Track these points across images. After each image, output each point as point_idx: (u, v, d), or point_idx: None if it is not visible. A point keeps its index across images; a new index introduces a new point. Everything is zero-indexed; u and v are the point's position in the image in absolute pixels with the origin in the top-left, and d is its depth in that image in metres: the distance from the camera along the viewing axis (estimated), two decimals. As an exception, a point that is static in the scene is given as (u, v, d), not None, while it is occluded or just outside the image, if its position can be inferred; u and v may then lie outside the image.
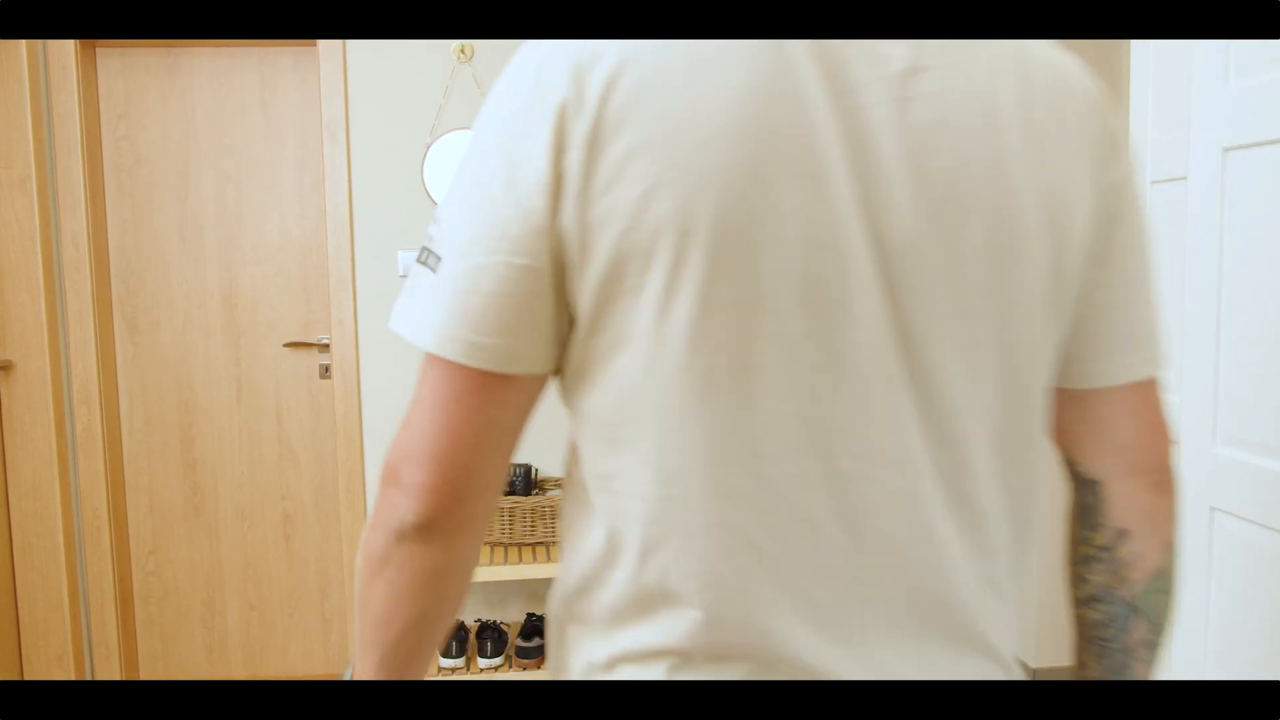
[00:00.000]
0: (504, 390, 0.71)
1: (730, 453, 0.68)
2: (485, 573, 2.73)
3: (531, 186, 0.66)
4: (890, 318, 0.68)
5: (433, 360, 0.71)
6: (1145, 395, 0.83)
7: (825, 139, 0.67)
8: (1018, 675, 0.87)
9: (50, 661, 2.94)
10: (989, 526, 0.74)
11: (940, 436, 0.70)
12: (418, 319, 0.70)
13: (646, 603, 0.75)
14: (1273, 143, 1.32)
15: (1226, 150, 1.39)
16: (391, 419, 3.05)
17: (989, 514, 0.74)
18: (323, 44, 2.92)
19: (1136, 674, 0.88)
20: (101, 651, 3.02)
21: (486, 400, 0.71)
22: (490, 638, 2.81)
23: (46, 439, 2.88)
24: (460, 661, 2.80)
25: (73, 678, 2.92)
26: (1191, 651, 1.50)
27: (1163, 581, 0.84)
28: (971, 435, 0.71)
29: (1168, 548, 0.83)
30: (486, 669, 2.80)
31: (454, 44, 2.96)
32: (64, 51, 2.84)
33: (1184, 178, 1.74)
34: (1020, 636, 0.87)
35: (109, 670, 3.02)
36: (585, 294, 0.67)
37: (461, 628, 2.90)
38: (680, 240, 0.64)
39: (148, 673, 3.16)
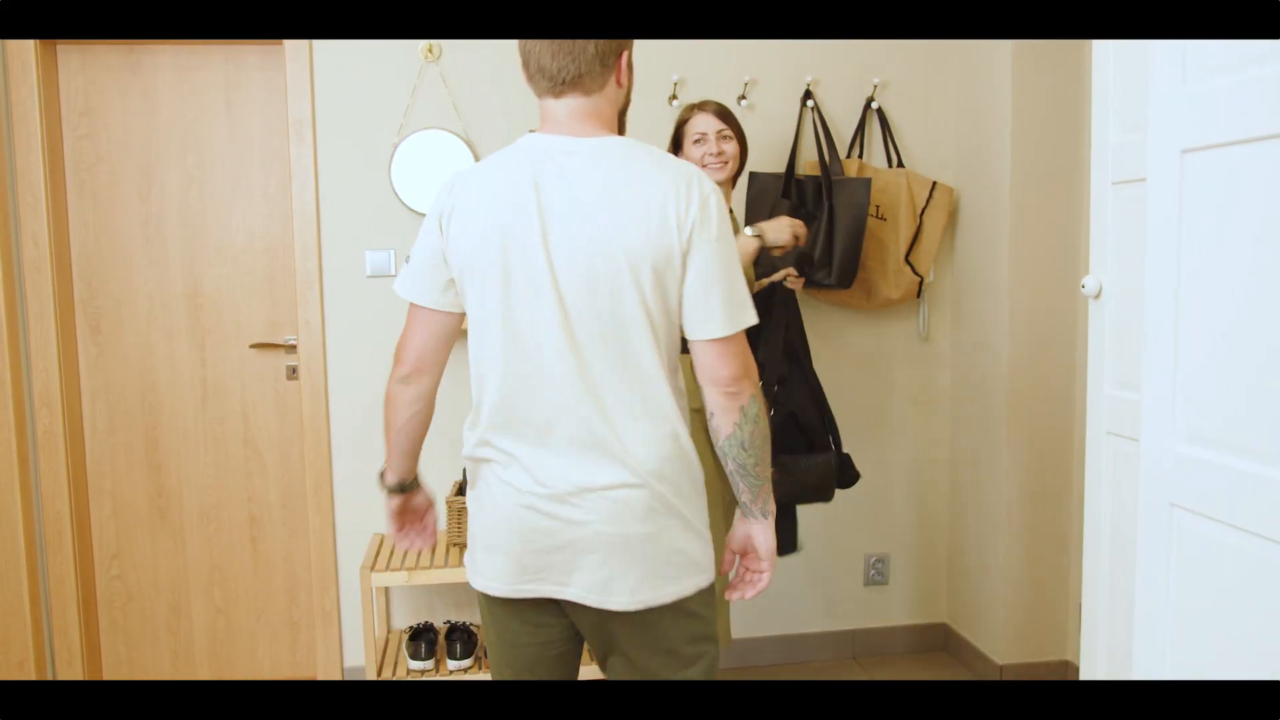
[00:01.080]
0: (432, 315, 1.64)
1: (509, 356, 1.56)
2: (453, 574, 2.72)
3: (434, 234, 1.61)
4: (557, 298, 1.51)
5: (408, 304, 1.65)
6: (716, 345, 1.54)
7: (530, 209, 1.52)
8: (644, 478, 1.55)
9: (11, 667, 2.90)
10: (608, 403, 1.54)
11: (578, 357, 1.53)
12: (402, 284, 1.65)
13: (477, 415, 1.66)
14: (1229, 145, 1.34)
15: (1184, 152, 1.41)
16: (359, 420, 3.03)
17: (606, 397, 1.54)
18: (289, 43, 2.90)
19: (740, 489, 1.63)
20: (64, 656, 2.98)
21: (426, 320, 1.64)
22: (459, 639, 2.80)
23: (6, 441, 2.83)
24: (430, 664, 2.79)
25: (34, 684, 2.87)
26: (1151, 647, 1.52)
27: (734, 440, 1.59)
28: (595, 359, 1.53)
29: (734, 425, 1.57)
30: (456, 670, 2.79)
31: (421, 44, 2.95)
32: (23, 49, 2.80)
33: (1144, 179, 1.76)
34: (651, 460, 1.55)
35: (71, 676, 2.98)
36: (456, 283, 1.61)
37: (430, 630, 2.89)
38: (476, 261, 1.55)
39: (111, 678, 3.13)
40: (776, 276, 2.50)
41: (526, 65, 1.62)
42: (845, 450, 2.79)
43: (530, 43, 1.61)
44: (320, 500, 3.04)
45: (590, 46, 1.58)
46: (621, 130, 1.70)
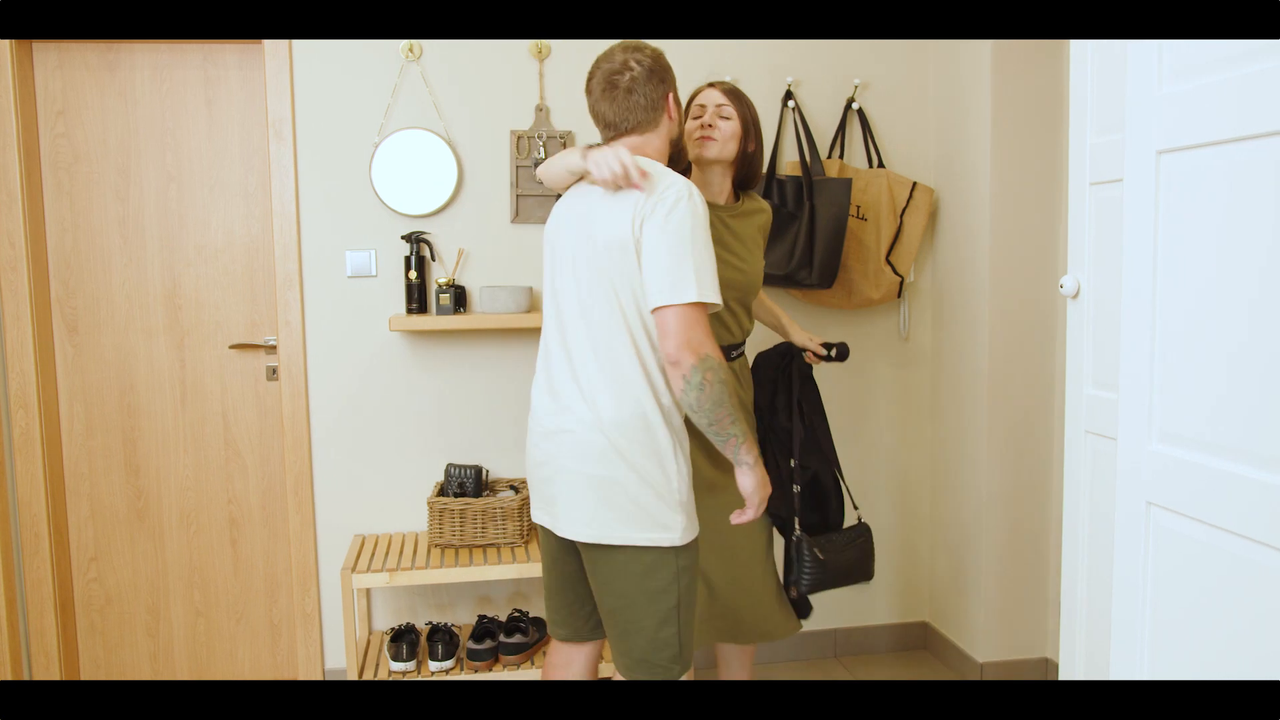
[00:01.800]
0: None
1: (550, 326, 2.04)
2: (435, 575, 2.72)
3: None
4: (567, 283, 1.99)
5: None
6: (660, 316, 1.84)
7: (578, 218, 1.99)
8: (605, 429, 1.90)
9: (-13, 671, 2.87)
10: (580, 365, 1.94)
11: (567, 328, 1.98)
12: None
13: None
14: (1204, 146, 1.35)
15: (1160, 153, 1.42)
16: (340, 420, 3.02)
17: (581, 359, 1.95)
18: (268, 41, 2.88)
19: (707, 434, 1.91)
20: (41, 660, 2.96)
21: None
22: (441, 640, 2.79)
23: (-18, 443, 2.81)
24: (411, 665, 2.78)
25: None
26: (1128, 644, 1.53)
27: (685, 403, 1.84)
28: (575, 330, 1.96)
29: (680, 390, 1.83)
30: (438, 672, 2.78)
31: (402, 43, 2.94)
32: (-1, 46, 2.78)
33: (1121, 180, 1.77)
34: (610, 415, 1.91)
35: (48, 679, 2.95)
36: None
37: (412, 631, 2.88)
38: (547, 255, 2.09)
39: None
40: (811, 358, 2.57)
41: (592, 115, 2.06)
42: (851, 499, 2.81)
43: (593, 98, 2.04)
44: (301, 501, 3.03)
45: (640, 99, 2.01)
46: (680, 155, 2.17)
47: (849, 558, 2.46)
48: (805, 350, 2.55)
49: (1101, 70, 1.90)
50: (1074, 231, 1.99)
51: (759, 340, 2.94)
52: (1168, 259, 1.43)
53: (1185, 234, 1.39)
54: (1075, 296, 1.98)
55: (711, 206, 2.33)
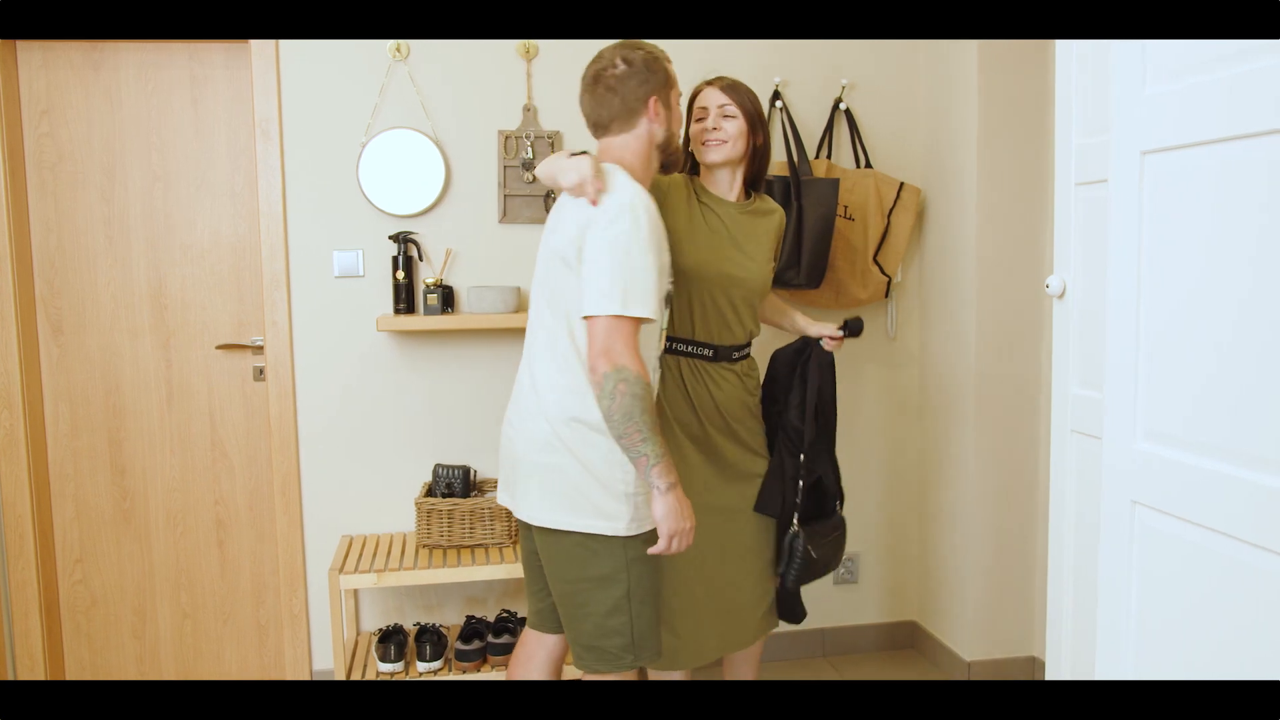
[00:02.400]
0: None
1: (529, 321, 2.12)
2: (423, 576, 2.71)
3: None
4: (538, 285, 2.07)
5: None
6: (589, 323, 1.87)
7: (548, 222, 2.11)
8: (550, 420, 1.98)
9: (-28, 674, 2.85)
10: (535, 359, 2.03)
11: (530, 329, 2.08)
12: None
13: None
14: (1188, 146, 1.36)
15: (1145, 154, 1.43)
16: (327, 421, 3.01)
17: (536, 354, 2.03)
18: (255, 41, 2.87)
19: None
20: (25, 663, 2.94)
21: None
22: (429, 641, 2.78)
23: (-34, 445, 2.79)
24: (399, 666, 2.77)
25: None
26: (1114, 642, 1.54)
27: (601, 412, 1.87)
28: (536, 330, 2.05)
29: (596, 399, 1.86)
30: (426, 673, 2.77)
31: (389, 43, 2.93)
32: (-17, 45, 2.76)
33: (1106, 180, 1.78)
34: (555, 408, 1.99)
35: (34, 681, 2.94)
36: None
37: (400, 632, 2.87)
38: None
39: (75, 683, 3.08)
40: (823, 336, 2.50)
41: (581, 110, 2.10)
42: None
43: (581, 93, 2.07)
44: (288, 502, 3.02)
45: (618, 99, 2.02)
46: (682, 158, 2.19)
47: (828, 551, 2.46)
48: (822, 338, 2.50)
49: (1087, 71, 1.90)
50: (1060, 232, 1.99)
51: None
52: (1152, 259, 1.44)
53: (1169, 234, 1.40)
54: (1061, 296, 1.99)
55: (721, 204, 2.33)
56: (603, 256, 1.87)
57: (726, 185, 2.35)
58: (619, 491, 1.97)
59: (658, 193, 2.25)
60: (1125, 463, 1.50)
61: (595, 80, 2.04)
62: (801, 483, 2.41)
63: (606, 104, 2.03)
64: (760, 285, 2.37)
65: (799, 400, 2.44)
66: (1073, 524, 1.99)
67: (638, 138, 2.05)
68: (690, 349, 2.34)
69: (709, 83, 2.35)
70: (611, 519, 1.97)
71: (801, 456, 2.41)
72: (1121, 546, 1.52)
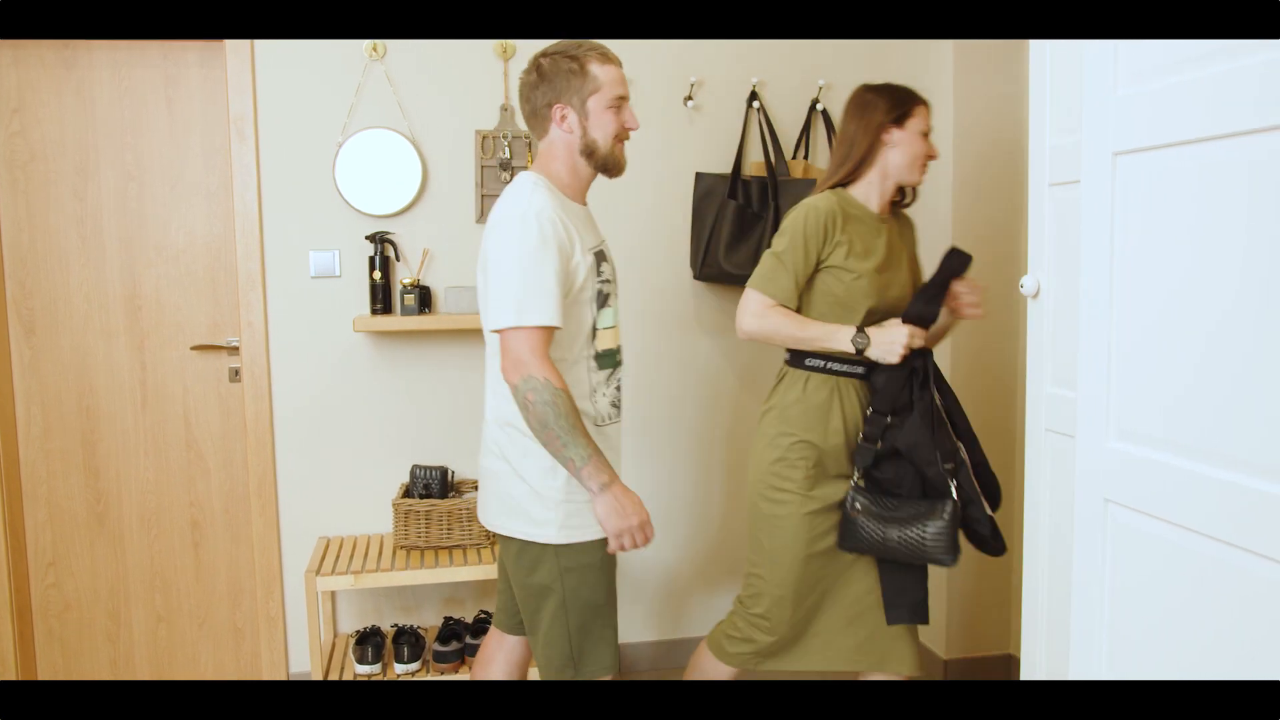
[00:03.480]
0: None
1: None
2: (401, 577, 2.70)
3: None
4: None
5: None
6: (500, 338, 1.89)
7: None
8: (490, 425, 2.06)
9: (-58, 679, 2.82)
10: (487, 369, 2.06)
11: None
12: None
13: None
14: (1159, 148, 1.37)
15: (1116, 155, 1.44)
16: (304, 422, 2.99)
17: (487, 366, 2.05)
18: (230, 40, 2.85)
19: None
20: (-3, 667, 2.91)
21: None
22: (407, 643, 2.77)
23: (-64, 447, 2.75)
24: (377, 667, 2.76)
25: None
26: (1088, 640, 1.55)
27: (514, 402, 1.90)
28: (486, 337, 2.05)
29: (515, 397, 1.87)
30: (404, 674, 2.76)
31: (366, 42, 2.92)
32: (-48, 43, 2.73)
33: (1079, 181, 1.79)
34: (492, 414, 2.07)
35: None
36: None
37: (377, 633, 2.86)
38: None
39: (48, 688, 3.05)
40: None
41: None
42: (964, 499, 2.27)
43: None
44: (264, 504, 3.00)
45: (527, 106, 2.03)
46: (622, 163, 2.07)
47: (903, 535, 2.24)
48: (953, 301, 2.31)
49: (1060, 71, 1.92)
50: (1034, 232, 2.01)
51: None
52: (1124, 259, 1.45)
53: (1141, 234, 1.41)
54: (1035, 296, 2.00)
55: (867, 220, 2.29)
56: (500, 268, 1.89)
57: (878, 200, 2.32)
58: (550, 499, 1.97)
59: (836, 218, 2.22)
60: (1098, 461, 1.51)
61: (520, 85, 2.06)
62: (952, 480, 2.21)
63: (523, 107, 2.06)
64: (897, 304, 2.32)
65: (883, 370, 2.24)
66: (1047, 522, 2.01)
67: (552, 144, 2.04)
68: (848, 368, 2.27)
69: (924, 103, 2.30)
70: (541, 525, 1.97)
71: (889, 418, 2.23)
72: (1095, 544, 1.53)
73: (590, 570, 2.00)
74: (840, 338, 2.22)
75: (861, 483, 2.26)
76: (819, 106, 3.16)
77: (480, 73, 2.99)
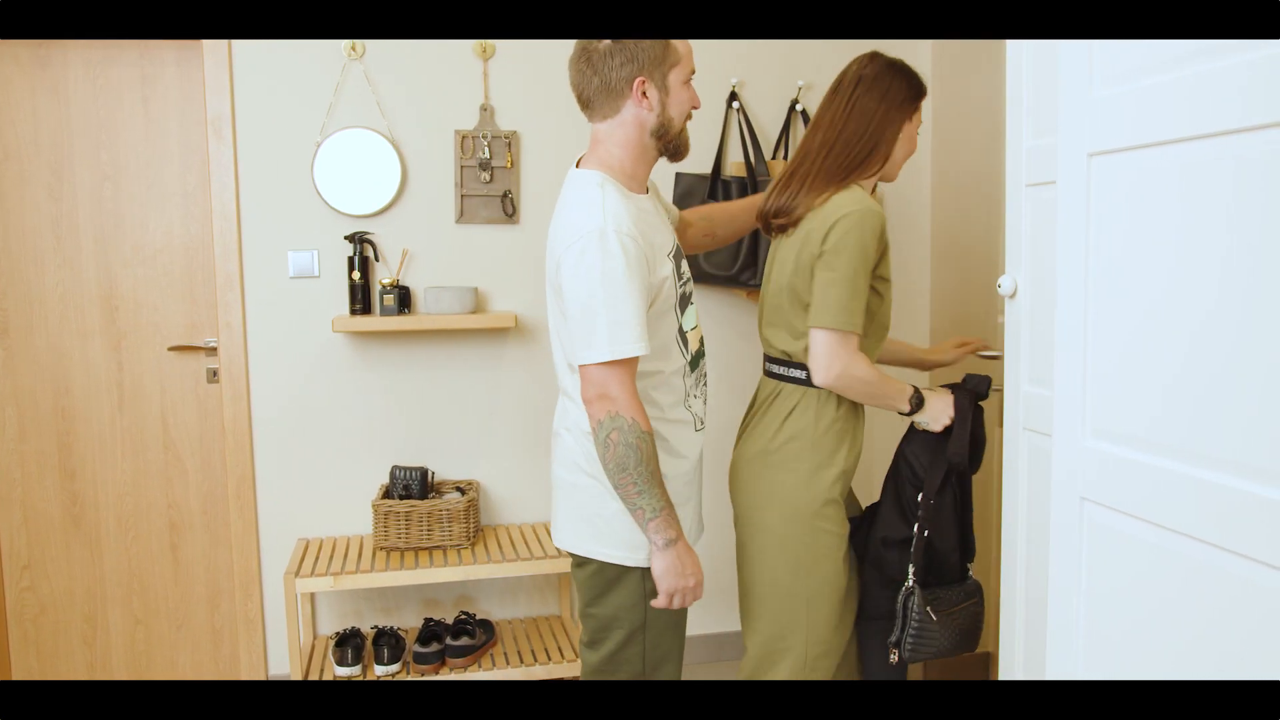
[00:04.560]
0: None
1: None
2: (380, 578, 2.69)
3: None
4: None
5: None
6: (580, 370, 1.74)
7: None
8: (573, 430, 1.88)
9: (-85, 684, 2.78)
10: (563, 377, 1.88)
11: (552, 340, 1.92)
12: None
13: None
14: (1134, 149, 1.38)
15: (1091, 155, 1.45)
16: (283, 423, 2.98)
17: (561, 372, 1.89)
18: (207, 40, 2.83)
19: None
20: (-28, 672, 2.88)
21: None
22: (387, 644, 2.76)
23: (-91, 449, 2.72)
24: (357, 669, 2.75)
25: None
26: (1064, 638, 1.56)
27: (596, 452, 1.75)
28: (553, 341, 1.91)
29: (595, 433, 1.73)
30: (384, 676, 2.75)
31: (345, 41, 2.90)
32: (-76, 41, 2.70)
33: (1055, 181, 1.80)
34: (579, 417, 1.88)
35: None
36: None
37: (357, 635, 2.85)
38: None
39: (24, 692, 3.02)
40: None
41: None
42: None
43: (569, 64, 1.85)
44: (243, 505, 2.98)
45: (597, 78, 1.79)
46: (687, 147, 1.91)
47: (959, 623, 2.07)
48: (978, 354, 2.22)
49: (1037, 72, 1.93)
50: (1011, 232, 2.02)
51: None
52: (1099, 259, 1.46)
53: (1116, 234, 1.42)
54: (1013, 296, 2.01)
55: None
56: (579, 297, 1.72)
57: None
58: (636, 519, 1.80)
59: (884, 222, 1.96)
60: (1074, 459, 1.52)
61: (579, 53, 1.83)
62: (925, 531, 2.05)
63: (587, 81, 1.81)
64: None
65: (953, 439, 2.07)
66: (1025, 521, 2.02)
67: (623, 125, 1.82)
68: None
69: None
70: (634, 549, 1.84)
71: (919, 497, 2.06)
72: (1071, 542, 1.54)
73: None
74: (903, 399, 2.00)
75: (915, 580, 2.00)
76: (798, 107, 3.17)
77: (460, 72, 2.99)
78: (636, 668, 1.90)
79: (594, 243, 1.70)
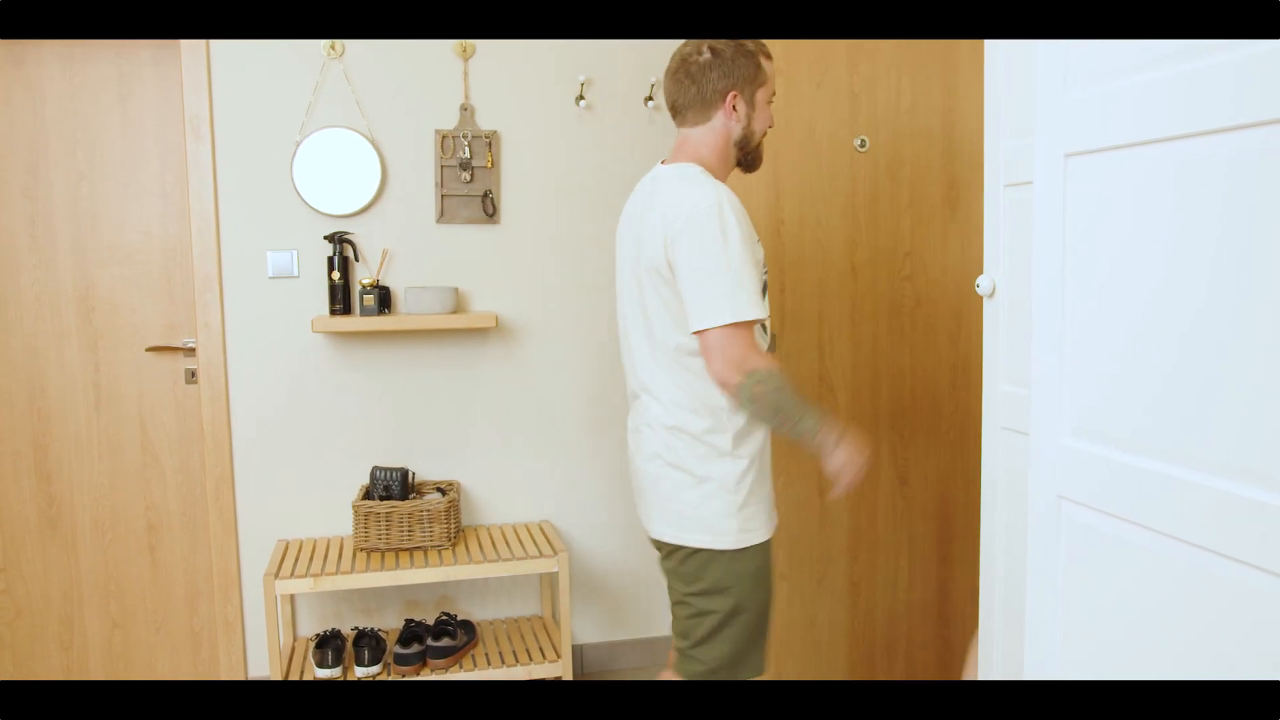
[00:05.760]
0: None
1: (621, 335, 2.10)
2: (361, 579, 2.68)
3: None
4: (627, 290, 2.01)
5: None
6: (703, 338, 1.84)
7: (628, 221, 2.04)
8: (656, 419, 1.96)
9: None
10: (643, 372, 1.98)
11: (627, 331, 2.04)
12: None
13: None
14: (1109, 149, 1.39)
15: (1068, 156, 1.46)
16: (262, 423, 2.96)
17: (640, 360, 1.99)
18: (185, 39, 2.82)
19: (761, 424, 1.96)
20: (-53, 676, 2.85)
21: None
22: (368, 646, 2.75)
23: (-118, 452, 2.69)
24: (337, 671, 2.74)
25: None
26: (1041, 638, 1.57)
27: (736, 401, 1.85)
28: (633, 332, 2.01)
29: (736, 408, 1.87)
30: (364, 677, 2.74)
31: (324, 40, 2.89)
32: (-103, 38, 2.67)
33: (1032, 182, 1.82)
34: (662, 411, 1.97)
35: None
36: None
37: (338, 636, 2.83)
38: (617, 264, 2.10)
39: None
40: None
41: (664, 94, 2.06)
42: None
43: (665, 74, 2.03)
44: (222, 507, 2.96)
45: (694, 87, 1.97)
46: (760, 159, 2.08)
47: None
48: None
49: (1014, 72, 1.94)
50: (989, 232, 2.03)
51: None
52: (1076, 258, 1.47)
53: (1092, 234, 1.43)
54: (991, 296, 2.03)
55: None
56: (701, 266, 1.83)
57: None
58: (733, 503, 1.93)
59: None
60: (1051, 458, 1.53)
61: (679, 65, 1.99)
62: None
63: (684, 91, 1.98)
64: None
65: None
66: (1003, 520, 2.03)
67: (713, 132, 1.99)
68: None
69: None
70: (720, 534, 1.93)
71: None
72: (1048, 540, 1.55)
73: (763, 572, 1.98)
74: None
75: None
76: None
77: (440, 72, 2.98)
78: (728, 651, 1.97)
79: (714, 214, 1.83)
